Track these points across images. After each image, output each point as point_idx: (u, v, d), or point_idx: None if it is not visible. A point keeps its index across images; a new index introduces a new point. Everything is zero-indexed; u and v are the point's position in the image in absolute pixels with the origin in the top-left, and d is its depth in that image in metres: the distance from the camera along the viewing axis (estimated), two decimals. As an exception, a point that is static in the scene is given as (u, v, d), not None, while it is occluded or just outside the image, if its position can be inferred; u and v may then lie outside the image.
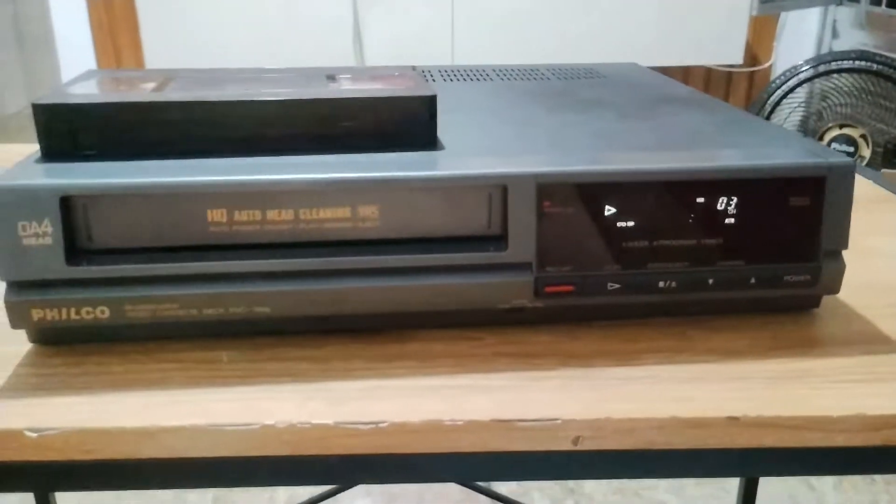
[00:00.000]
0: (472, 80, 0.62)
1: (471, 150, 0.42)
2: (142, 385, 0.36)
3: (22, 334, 0.39)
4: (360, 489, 1.19)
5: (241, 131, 0.40)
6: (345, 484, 0.36)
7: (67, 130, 0.39)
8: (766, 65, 2.55)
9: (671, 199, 0.39)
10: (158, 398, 0.35)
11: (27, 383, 0.37)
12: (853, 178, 0.40)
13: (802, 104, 2.12)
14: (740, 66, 2.51)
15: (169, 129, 0.40)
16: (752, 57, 2.62)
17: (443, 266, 0.39)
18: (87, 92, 0.41)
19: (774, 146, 0.42)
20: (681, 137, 0.44)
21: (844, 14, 2.35)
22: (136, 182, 0.37)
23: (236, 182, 0.37)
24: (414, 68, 0.51)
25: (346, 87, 0.43)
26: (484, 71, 0.65)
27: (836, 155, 0.40)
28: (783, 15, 2.59)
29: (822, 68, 2.08)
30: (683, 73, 2.64)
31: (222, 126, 0.40)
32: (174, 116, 0.39)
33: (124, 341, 0.40)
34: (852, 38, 2.34)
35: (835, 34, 2.44)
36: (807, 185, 0.39)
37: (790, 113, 2.12)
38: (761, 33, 2.63)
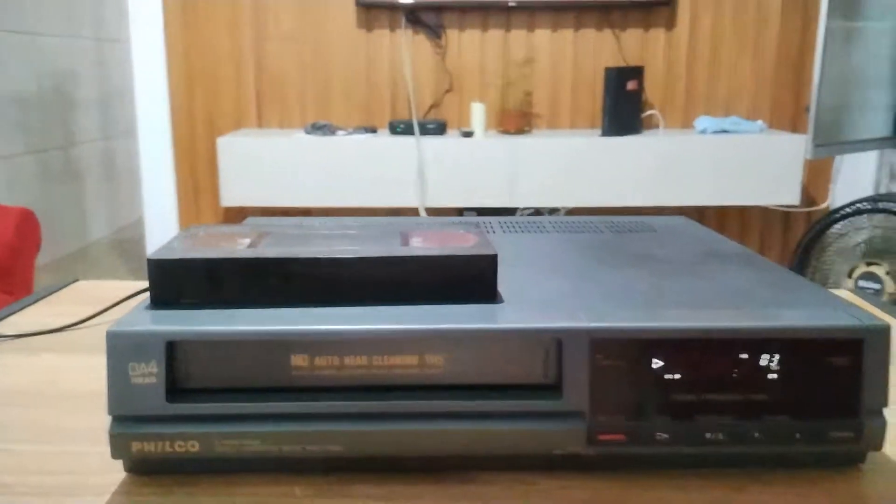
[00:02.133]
0: (529, 231, 0.67)
1: (528, 303, 0.46)
2: (224, 516, 0.40)
3: (117, 464, 0.44)
4: None
5: (323, 284, 0.45)
6: None
7: (174, 282, 0.45)
8: (823, 205, 2.57)
9: (717, 354, 0.42)
10: (238, 529, 0.39)
11: (122, 510, 0.40)
12: (889, 339, 0.42)
13: (841, 240, 2.12)
14: (797, 206, 2.53)
15: (261, 282, 0.45)
16: (808, 198, 2.65)
17: (501, 412, 0.42)
18: (192, 249, 0.47)
19: (815, 307, 0.45)
20: (727, 295, 0.48)
21: (901, 157, 2.39)
22: (230, 330, 0.42)
23: (318, 332, 0.42)
24: (478, 225, 0.57)
25: (417, 246, 0.48)
26: (541, 223, 0.70)
27: (871, 318, 0.42)
28: (839, 157, 2.64)
29: (849, 210, 2.10)
30: (741, 213, 2.68)
31: (307, 279, 0.45)
32: (265, 271, 0.45)
33: (208, 473, 0.43)
34: (910, 180, 2.36)
35: (892, 176, 2.46)
36: (845, 346, 0.42)
37: (833, 251, 2.13)
38: (818, 175, 2.67)
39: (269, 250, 0.47)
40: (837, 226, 2.14)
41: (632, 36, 2.61)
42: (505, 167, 2.39)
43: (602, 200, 2.40)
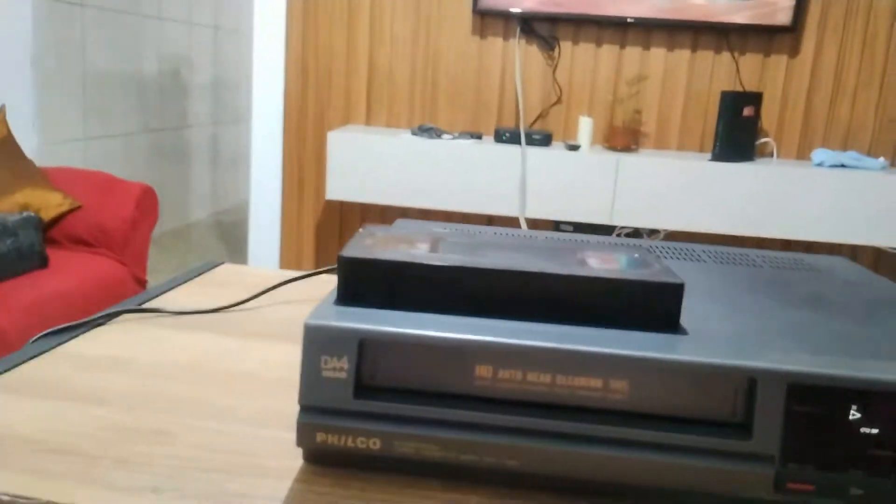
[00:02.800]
0: (685, 259, 0.65)
1: (714, 337, 0.45)
2: (402, 517, 0.40)
3: (293, 451, 0.45)
4: None
5: (507, 296, 0.45)
6: None
7: (364, 281, 0.46)
8: (945, 253, 2.43)
9: (921, 412, 0.40)
10: (419, 533, 0.39)
11: (306, 499, 0.41)
12: None
13: None
14: (915, 251, 2.41)
15: (449, 289, 0.45)
16: (928, 243, 2.51)
17: (685, 446, 0.41)
18: (380, 250, 0.48)
19: None
20: (922, 349, 0.45)
21: None
22: (422, 334, 0.42)
23: (506, 345, 0.42)
24: (650, 250, 0.56)
25: (602, 266, 0.48)
26: (694, 251, 0.69)
27: None
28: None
29: None
30: (852, 251, 2.57)
31: (492, 290, 0.45)
32: (452, 278, 0.45)
33: (384, 472, 0.44)
34: None
35: None
36: None
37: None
38: (939, 220, 2.53)
39: (457, 258, 0.47)
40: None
41: (751, 61, 2.53)
42: (608, 184, 2.36)
43: (705, 226, 2.34)
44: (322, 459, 0.45)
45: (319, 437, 0.43)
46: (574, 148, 2.45)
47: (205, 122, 4.38)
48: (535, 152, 2.39)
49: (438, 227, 0.64)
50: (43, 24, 2.77)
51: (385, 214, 2.81)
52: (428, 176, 2.42)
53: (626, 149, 2.51)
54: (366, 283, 0.46)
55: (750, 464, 0.41)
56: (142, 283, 1.99)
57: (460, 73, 2.66)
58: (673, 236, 2.68)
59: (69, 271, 1.71)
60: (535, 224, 2.68)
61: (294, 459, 0.45)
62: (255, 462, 0.45)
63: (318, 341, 0.42)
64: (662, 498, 0.43)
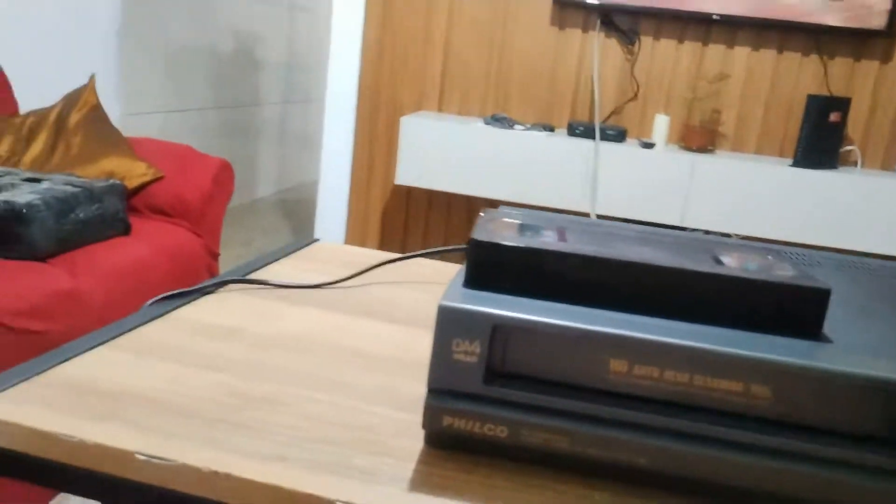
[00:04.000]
0: (807, 264, 0.63)
1: (860, 347, 0.43)
2: (524, 503, 0.40)
3: (413, 432, 0.45)
4: None
5: (642, 291, 0.44)
6: None
7: (495, 266, 0.45)
8: None
9: None
10: (549, 524, 0.38)
11: (431, 482, 0.41)
12: None
13: None
14: None
15: (581, 278, 0.44)
16: None
17: (826, 458, 0.40)
18: (510, 236, 0.47)
19: None
20: None
21: None
22: (556, 322, 0.41)
23: (643, 340, 0.41)
24: (780, 253, 0.54)
25: (739, 265, 0.46)
26: (811, 257, 0.66)
27: None
28: None
29: None
30: None
31: (627, 283, 0.44)
32: (587, 268, 0.44)
33: (506, 459, 0.43)
34: None
35: None
36: None
37: None
38: None
39: (589, 248, 0.46)
40: None
41: (840, 64, 2.44)
42: (682, 184, 2.31)
43: (780, 234, 2.27)
44: (445, 443, 0.44)
45: (446, 420, 0.42)
46: (649, 146, 2.40)
47: (275, 101, 4.44)
48: (608, 148, 2.35)
49: (554, 217, 0.63)
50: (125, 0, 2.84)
51: (452, 203, 2.80)
52: (498, 166, 2.41)
53: (703, 149, 2.45)
54: (497, 268, 0.45)
55: (893, 480, 0.39)
56: (214, 256, 2.03)
57: (536, 64, 2.64)
58: (745, 241, 2.61)
59: (149, 239, 1.75)
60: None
61: (414, 440, 0.45)
62: (375, 439, 0.45)
63: (451, 323, 0.42)
64: (798, 510, 0.41)
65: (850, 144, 2.48)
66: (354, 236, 2.90)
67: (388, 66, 2.74)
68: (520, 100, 2.68)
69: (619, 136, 2.43)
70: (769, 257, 0.50)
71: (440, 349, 0.42)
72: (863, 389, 0.40)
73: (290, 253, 0.80)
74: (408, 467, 0.42)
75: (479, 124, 2.47)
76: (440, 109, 2.73)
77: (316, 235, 2.91)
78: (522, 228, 0.50)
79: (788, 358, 0.40)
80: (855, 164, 2.48)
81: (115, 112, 2.80)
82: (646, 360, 0.41)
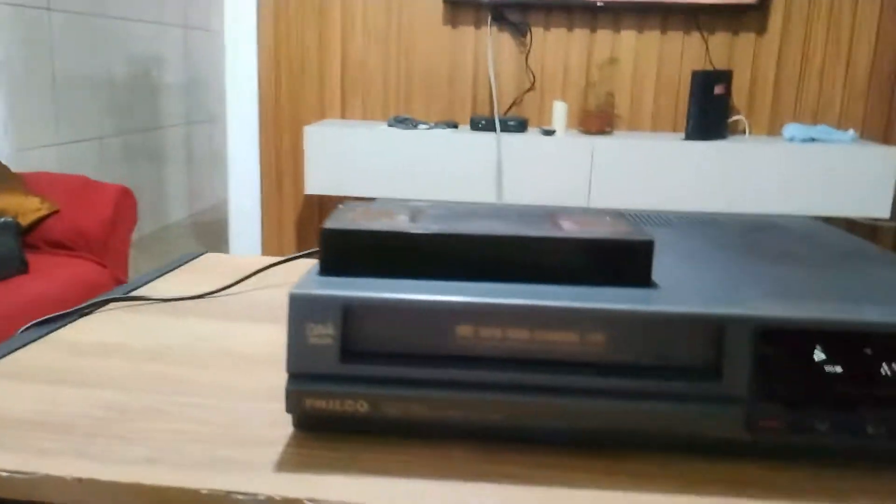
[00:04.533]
0: (658, 225, 0.67)
1: (685, 290, 0.47)
2: (390, 473, 0.42)
3: (284, 420, 0.46)
4: None
5: (485, 260, 0.47)
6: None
7: (346, 251, 0.47)
8: (915, 221, 2.48)
9: (881, 348, 0.42)
10: (404, 486, 0.41)
11: (298, 462, 0.43)
12: None
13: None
14: (887, 220, 2.46)
15: (428, 256, 0.47)
16: (899, 212, 2.56)
17: (659, 393, 0.43)
18: (361, 220, 0.49)
19: (980, 308, 0.45)
20: (883, 291, 0.48)
21: None
22: (403, 298, 0.44)
23: (485, 304, 0.43)
24: (621, 214, 0.58)
25: (572, 227, 0.49)
26: (666, 217, 0.71)
27: None
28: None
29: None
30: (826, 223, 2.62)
31: (472, 255, 0.47)
32: (434, 245, 0.47)
33: (371, 433, 0.46)
34: None
35: None
36: None
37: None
38: (909, 189, 2.58)
39: (436, 226, 0.48)
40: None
41: (720, 40, 2.57)
42: (584, 167, 2.39)
43: (682, 205, 2.37)
44: (312, 425, 0.46)
45: (308, 402, 0.44)
46: (549, 133, 2.47)
47: (179, 123, 4.35)
48: (510, 139, 2.40)
49: (418, 202, 0.65)
50: (8, 30, 2.75)
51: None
52: (405, 166, 2.43)
53: (601, 132, 2.53)
54: (348, 254, 0.47)
55: (722, 405, 0.43)
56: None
57: (434, 63, 2.67)
58: (650, 216, 2.70)
59: (50, 276, 1.71)
60: (514, 210, 2.70)
61: (286, 427, 0.46)
62: (248, 432, 0.46)
63: (303, 309, 0.44)
64: (641, 443, 0.45)
65: (737, 114, 2.61)
66: (270, 250, 2.88)
67: (287, 78, 2.73)
68: (422, 100, 2.71)
69: (521, 126, 2.49)
70: (607, 218, 0.53)
71: (295, 335, 0.44)
72: (684, 326, 0.43)
73: (175, 267, 0.80)
74: (276, 451, 0.44)
75: (383, 127, 2.49)
76: (343, 116, 2.74)
77: (232, 253, 2.87)
78: (377, 214, 0.52)
79: (615, 305, 0.43)
80: (743, 132, 2.60)
81: (4, 149, 2.70)
82: (488, 323, 0.44)
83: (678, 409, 0.43)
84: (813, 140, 2.42)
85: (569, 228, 0.49)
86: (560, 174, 2.41)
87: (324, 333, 0.44)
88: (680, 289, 0.47)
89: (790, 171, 2.34)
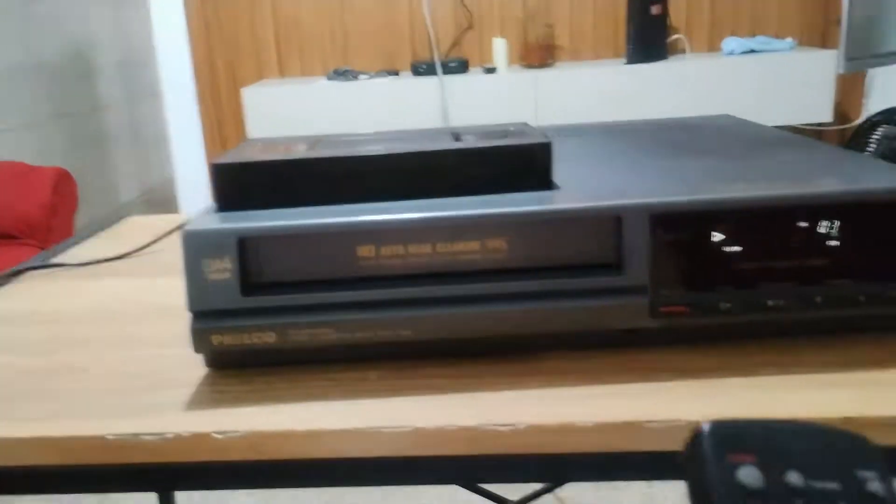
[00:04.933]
0: (574, 135, 0.67)
1: (585, 188, 0.46)
2: (304, 399, 0.42)
3: (199, 362, 0.46)
4: None
5: (384, 180, 0.46)
6: (483, 481, 0.39)
7: (239, 185, 0.46)
8: (856, 122, 2.51)
9: (777, 223, 0.42)
10: (320, 409, 0.41)
11: (209, 399, 0.42)
12: (952, 197, 0.42)
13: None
14: (830, 124, 2.49)
15: (323, 181, 0.46)
16: (841, 115, 2.59)
17: (564, 291, 0.43)
18: (255, 153, 0.48)
19: (872, 173, 0.45)
20: (782, 171, 0.48)
21: (937, 68, 2.31)
22: (299, 224, 0.43)
23: (382, 221, 0.43)
24: (526, 124, 0.57)
25: (472, 139, 0.49)
26: (585, 129, 0.70)
27: (933, 177, 0.42)
28: (872, 72, 2.57)
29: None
30: (771, 135, 2.64)
31: (369, 176, 0.46)
32: (328, 170, 0.46)
33: (287, 364, 0.45)
34: (947, 91, 2.29)
35: (928, 88, 2.40)
36: (907, 206, 0.42)
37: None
38: (850, 91, 2.61)
39: (330, 151, 0.47)
40: (874, 138, 2.10)
41: (653, -41, 2.54)
42: (530, 101, 2.37)
43: (630, 130, 2.38)
44: (224, 363, 0.46)
45: (215, 339, 0.44)
46: (491, 71, 2.44)
47: (119, 102, 4.23)
48: (453, 80, 2.38)
49: (329, 135, 0.64)
50: (-77, 19, 2.63)
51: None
52: (349, 119, 2.40)
53: (543, 64, 2.51)
54: (241, 188, 0.46)
55: (625, 297, 0.43)
56: (74, 268, 1.95)
57: (369, 12, 2.62)
58: (601, 145, 2.71)
59: (-7, 265, 1.67)
60: (465, 153, 2.68)
61: (200, 370, 0.46)
62: (161, 378, 0.45)
63: (197, 246, 0.43)
64: (553, 344, 0.45)
65: (676, 33, 2.60)
66: (225, 220, 2.84)
67: (219, 42, 2.66)
68: (360, 51, 2.66)
69: (462, 66, 2.46)
70: (510, 129, 0.53)
71: (192, 273, 0.43)
72: (581, 222, 0.43)
73: (96, 232, 0.78)
74: (188, 393, 0.43)
75: (323, 82, 2.45)
76: (282, 74, 2.69)
77: (186, 228, 2.83)
78: (274, 147, 0.51)
79: (513, 208, 0.43)
80: (683, 50, 2.60)
81: (-64, 144, 2.61)
82: (389, 241, 0.43)
83: (584, 306, 0.43)
84: (753, 52, 2.43)
85: (467, 140, 0.49)
86: (506, 111, 2.39)
87: (222, 268, 0.43)
88: (580, 188, 0.47)
89: (732, 85, 2.35)
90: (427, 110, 2.39)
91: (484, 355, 0.45)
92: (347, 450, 0.38)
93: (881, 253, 0.42)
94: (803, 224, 0.42)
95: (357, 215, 0.43)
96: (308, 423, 0.39)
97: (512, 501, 0.92)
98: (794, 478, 0.23)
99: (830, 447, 0.24)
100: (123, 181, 3.96)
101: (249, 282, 0.44)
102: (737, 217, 0.42)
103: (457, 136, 0.51)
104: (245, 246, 0.43)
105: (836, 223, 0.42)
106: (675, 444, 0.37)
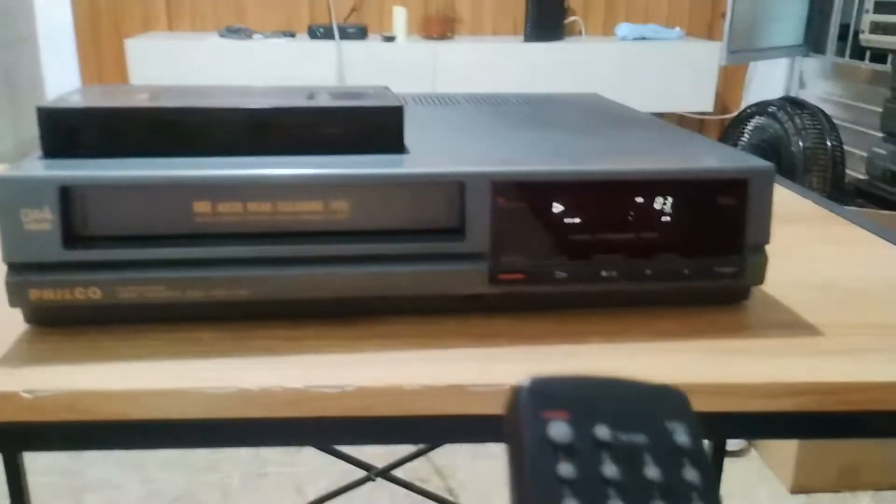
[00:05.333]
0: (442, 104, 0.67)
1: (434, 154, 0.46)
2: (130, 358, 0.40)
3: (18, 320, 0.43)
4: None
5: (226, 135, 0.44)
6: (312, 445, 0.39)
7: (67, 131, 0.43)
8: (735, 113, 2.64)
9: (612, 197, 0.44)
10: (145, 368, 0.39)
11: (23, 356, 0.40)
12: (773, 180, 0.44)
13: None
14: (711, 113, 2.60)
15: (161, 132, 0.44)
16: (722, 105, 2.72)
17: (406, 255, 0.43)
18: (86, 98, 0.45)
19: (706, 154, 0.47)
20: (626, 148, 0.49)
21: (811, 64, 2.46)
22: (129, 174, 0.41)
23: (220, 176, 0.41)
24: (387, 88, 0.56)
25: (323, 99, 0.48)
26: (454, 98, 0.70)
27: (758, 161, 0.45)
28: (752, 66, 2.71)
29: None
30: (658, 121, 2.74)
31: (209, 130, 0.44)
32: (166, 120, 0.44)
33: (115, 323, 0.43)
34: (818, 87, 2.44)
35: (801, 84, 2.54)
36: (732, 186, 0.44)
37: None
38: (731, 83, 2.74)
39: (170, 101, 0.45)
40: (748, 129, 2.21)
41: (555, -61, 2.56)
42: (427, 73, 2.36)
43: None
44: (46, 319, 0.43)
45: (33, 293, 0.41)
46: (390, 39, 2.41)
47: (-11, 45, 3.90)
48: (350, 47, 2.33)
49: (182, 86, 0.61)
50: None
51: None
52: (240, 80, 2.32)
53: (443, 36, 2.50)
54: (70, 134, 0.43)
55: (465, 262, 0.44)
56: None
57: (265, -31, 2.53)
58: (497, 121, 2.73)
59: None
60: (361, 122, 2.65)
61: (20, 326, 0.43)
62: (-27, 333, 0.42)
63: (13, 194, 0.40)
64: (392, 308, 0.45)
65: (573, 15, 2.64)
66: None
67: (103, -12, 2.50)
68: (256, 9, 2.57)
69: (360, 33, 2.41)
70: (369, 91, 0.52)
71: (7, 223, 0.40)
72: (425, 186, 0.43)
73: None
74: (1, 350, 0.41)
75: (215, 39, 2.35)
76: (171, 28, 2.56)
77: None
78: (113, 94, 0.48)
79: (358, 170, 0.42)
80: (580, 32, 2.65)
81: None
82: (227, 197, 0.42)
83: (425, 270, 0.43)
84: (644, 38, 2.50)
85: (319, 100, 0.48)
86: (403, 81, 2.37)
87: (41, 219, 0.40)
88: (429, 154, 0.46)
89: (624, 70, 2.42)
90: (323, 75, 2.34)
91: (322, 318, 0.44)
92: (168, 410, 0.37)
93: (707, 229, 0.44)
94: (637, 199, 0.44)
95: (194, 169, 0.42)
96: (128, 383, 0.37)
97: (376, 468, 0.93)
98: (602, 431, 0.23)
99: (643, 401, 0.24)
100: (-4, 132, 3.69)
101: (73, 234, 0.41)
102: (575, 189, 0.43)
103: (311, 96, 0.50)
104: (69, 196, 0.41)
105: (668, 199, 0.44)
106: (500, 408, 0.38)
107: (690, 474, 0.22)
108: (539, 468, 0.22)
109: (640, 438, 0.23)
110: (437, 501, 1.06)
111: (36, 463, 1.33)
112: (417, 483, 1.09)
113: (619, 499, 0.21)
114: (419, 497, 1.17)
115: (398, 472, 1.02)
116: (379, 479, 0.95)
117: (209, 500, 1.25)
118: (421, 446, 1.02)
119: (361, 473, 0.94)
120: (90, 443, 0.39)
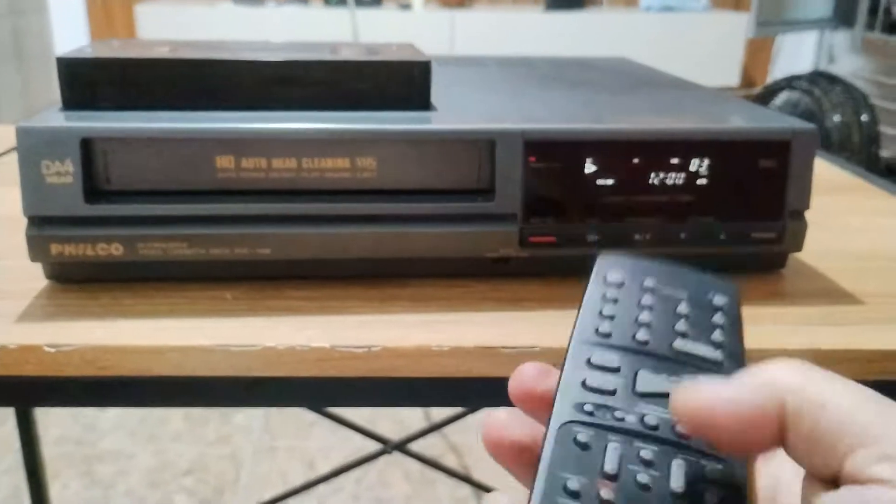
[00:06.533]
0: (469, 66, 0.65)
1: (462, 111, 0.45)
2: (152, 315, 0.39)
3: (39, 275, 0.42)
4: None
5: (250, 89, 0.43)
6: (338, 405, 0.38)
7: (88, 83, 0.42)
8: (761, 88, 2.59)
9: (648, 157, 0.42)
10: (168, 325, 0.38)
11: (45, 311, 0.39)
12: (816, 143, 0.43)
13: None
14: (736, 87, 2.56)
15: (183, 85, 0.43)
16: (748, 79, 2.67)
17: (433, 215, 0.42)
18: (108, 49, 0.44)
19: (746, 115, 0.45)
20: (662, 108, 0.48)
21: (840, 38, 2.40)
22: (152, 127, 0.40)
23: (244, 130, 0.40)
24: (413, 45, 0.55)
25: (348, 53, 0.46)
26: (483, 61, 0.69)
27: (801, 122, 0.43)
28: (779, 40, 2.65)
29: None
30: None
31: (233, 83, 0.43)
32: (189, 73, 0.43)
33: (136, 280, 0.42)
34: (848, 62, 2.39)
35: (831, 59, 2.49)
36: (773, 148, 0.43)
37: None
38: (757, 56, 2.69)
39: (192, 53, 0.44)
40: (776, 104, 2.18)
41: None
42: (443, 42, 2.33)
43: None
44: (65, 275, 0.42)
45: (54, 248, 0.40)
46: (406, 7, 2.38)
47: (2, 13, 3.89)
48: (365, 14, 2.30)
49: (202, 41, 0.60)
50: None
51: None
52: (257, 46, 2.30)
53: (460, 4, 2.47)
54: (91, 86, 0.42)
55: (495, 224, 0.42)
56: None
57: (282, -66, 2.49)
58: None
59: None
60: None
61: (40, 281, 0.42)
62: (-6, 288, 0.42)
63: (35, 145, 0.39)
64: (420, 269, 0.44)
65: (595, -16, 2.60)
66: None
67: (119, -48, 2.48)
68: (272, -25, 2.54)
69: (376, 0, 2.38)
70: (393, 48, 0.50)
71: (28, 174, 0.39)
72: (454, 144, 0.42)
73: (-50, 139, 0.72)
74: (23, 305, 0.40)
75: (228, 5, 2.32)
76: (186, -6, 2.54)
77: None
78: (133, 46, 0.47)
79: (382, 125, 0.41)
80: (601, 2, 2.60)
81: None
82: (251, 153, 0.41)
83: (454, 231, 0.42)
84: (669, 9, 2.46)
85: (345, 53, 0.46)
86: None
87: (62, 171, 0.39)
88: (457, 111, 0.45)
89: (647, 41, 2.38)
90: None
91: (347, 278, 0.43)
92: (192, 367, 0.36)
93: (746, 193, 0.43)
94: (673, 160, 0.42)
95: (216, 122, 0.40)
96: (151, 339, 0.37)
97: (394, 441, 0.92)
98: (650, 281, 0.26)
99: (694, 275, 0.27)
100: (6, 102, 3.69)
101: (95, 188, 0.40)
102: (610, 149, 0.42)
103: (334, 51, 0.48)
104: (90, 148, 0.40)
105: (706, 160, 0.42)
106: (530, 370, 0.37)
107: (719, 318, 0.25)
108: (590, 305, 0.26)
109: (681, 294, 0.26)
110: (452, 475, 1.05)
111: (49, 433, 1.33)
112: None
113: (646, 329, 0.25)
114: (432, 475, 1.17)
115: (412, 448, 1.01)
116: (394, 454, 0.95)
117: (221, 472, 1.26)
118: (434, 422, 1.00)
119: (374, 452, 0.93)
120: (110, 399, 0.38)
